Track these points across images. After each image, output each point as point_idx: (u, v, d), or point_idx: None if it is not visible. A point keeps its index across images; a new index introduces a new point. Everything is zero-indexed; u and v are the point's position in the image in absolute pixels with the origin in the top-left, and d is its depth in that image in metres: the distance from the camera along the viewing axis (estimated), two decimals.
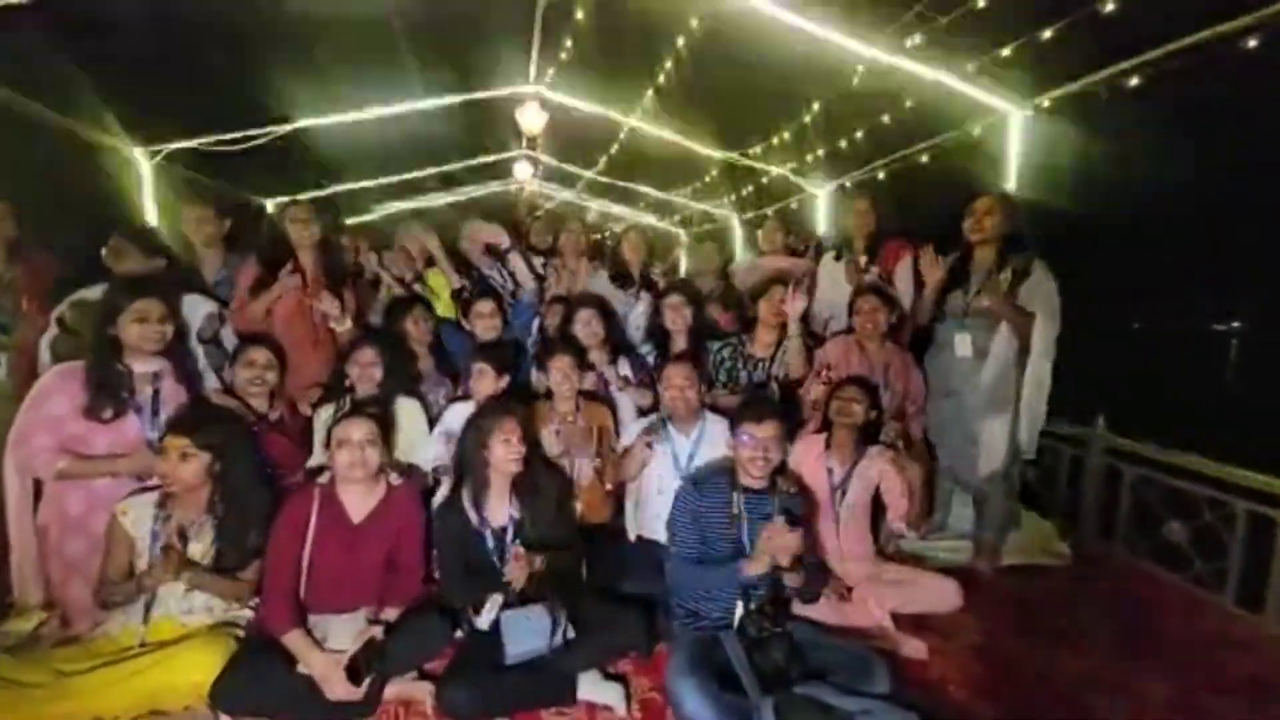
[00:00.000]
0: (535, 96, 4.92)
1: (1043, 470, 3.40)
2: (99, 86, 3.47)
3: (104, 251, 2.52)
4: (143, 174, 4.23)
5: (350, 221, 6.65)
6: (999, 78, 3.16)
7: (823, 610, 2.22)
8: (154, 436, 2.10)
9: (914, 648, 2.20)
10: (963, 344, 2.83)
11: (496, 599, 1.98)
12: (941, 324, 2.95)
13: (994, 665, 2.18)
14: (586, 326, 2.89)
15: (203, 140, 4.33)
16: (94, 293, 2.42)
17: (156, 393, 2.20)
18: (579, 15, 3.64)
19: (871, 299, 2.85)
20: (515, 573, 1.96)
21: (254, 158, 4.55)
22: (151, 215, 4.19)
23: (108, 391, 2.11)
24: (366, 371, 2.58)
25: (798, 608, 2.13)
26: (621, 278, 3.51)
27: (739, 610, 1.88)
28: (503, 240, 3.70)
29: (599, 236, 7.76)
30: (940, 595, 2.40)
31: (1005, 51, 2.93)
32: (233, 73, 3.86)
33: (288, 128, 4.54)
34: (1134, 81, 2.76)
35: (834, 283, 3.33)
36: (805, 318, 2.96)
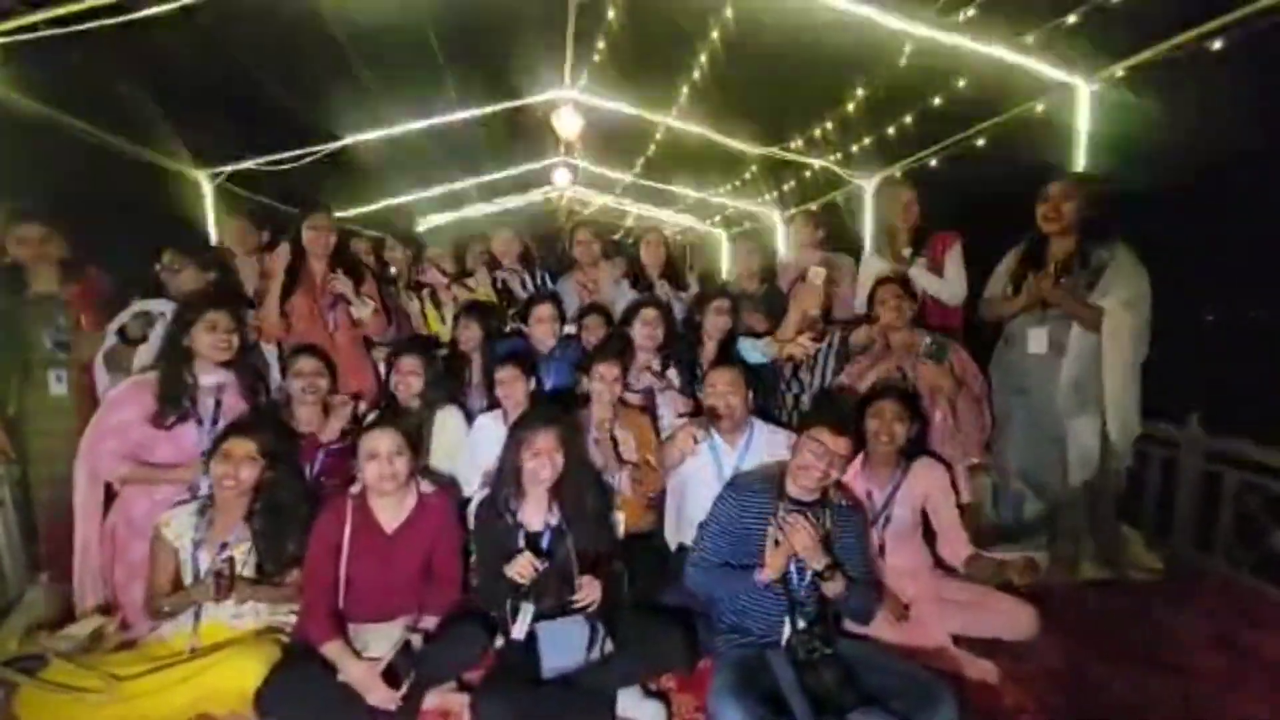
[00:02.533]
0: (570, 101, 4.92)
1: (1129, 474, 3.07)
2: (167, 116, 3.68)
3: (157, 267, 2.62)
4: (206, 195, 4.48)
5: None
6: (1063, 49, 2.92)
7: (878, 627, 2.06)
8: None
9: (982, 670, 2.01)
10: (1037, 339, 2.60)
11: (529, 609, 1.93)
12: (1013, 317, 2.72)
13: (1076, 694, 1.96)
14: (648, 327, 2.77)
15: (258, 161, 4.55)
16: (154, 305, 2.53)
17: (218, 404, 2.26)
18: (611, 15, 3.60)
19: (893, 287, 2.66)
20: (522, 570, 1.92)
21: (305, 175, 4.74)
22: (214, 233, 4.42)
23: (174, 399, 2.19)
24: (405, 380, 2.61)
25: (852, 626, 1.99)
26: (640, 283, 3.38)
27: (786, 628, 1.75)
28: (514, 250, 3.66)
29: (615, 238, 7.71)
30: (1013, 621, 2.16)
31: (1070, 19, 2.70)
32: (283, 95, 4.02)
33: (335, 145, 4.71)
34: (1218, 45, 2.50)
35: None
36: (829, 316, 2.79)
